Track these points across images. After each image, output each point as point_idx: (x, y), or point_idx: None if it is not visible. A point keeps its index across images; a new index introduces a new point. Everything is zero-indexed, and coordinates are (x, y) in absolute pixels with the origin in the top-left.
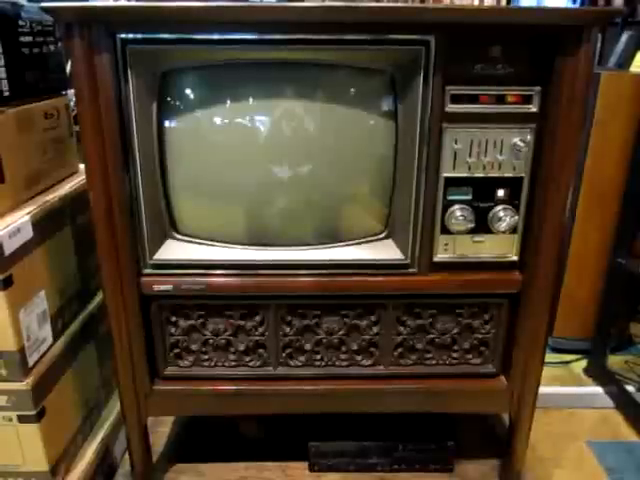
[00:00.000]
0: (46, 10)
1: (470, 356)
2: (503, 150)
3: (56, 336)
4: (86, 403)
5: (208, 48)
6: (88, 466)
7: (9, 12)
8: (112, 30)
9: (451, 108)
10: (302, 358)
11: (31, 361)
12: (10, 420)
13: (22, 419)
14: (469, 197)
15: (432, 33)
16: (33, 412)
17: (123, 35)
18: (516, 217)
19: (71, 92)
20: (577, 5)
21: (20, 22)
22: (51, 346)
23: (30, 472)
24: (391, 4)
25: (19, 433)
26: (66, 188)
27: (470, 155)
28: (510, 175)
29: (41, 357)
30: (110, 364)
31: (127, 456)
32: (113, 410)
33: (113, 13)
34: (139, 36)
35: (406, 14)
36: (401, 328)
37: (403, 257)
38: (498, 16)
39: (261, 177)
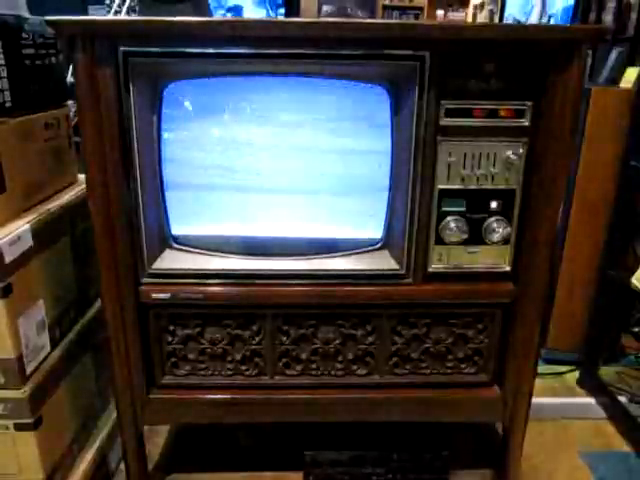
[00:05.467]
0: (50, 24)
1: (464, 365)
2: (496, 163)
3: (54, 344)
4: (82, 411)
5: (208, 61)
6: (84, 475)
7: (13, 24)
8: (114, 43)
9: (445, 122)
10: (298, 367)
11: (29, 369)
12: (7, 428)
13: (19, 427)
14: (463, 209)
15: (427, 49)
16: (30, 420)
17: (125, 48)
18: (509, 228)
19: (70, 103)
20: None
21: (23, 34)
22: (49, 354)
23: None
24: (387, 20)
25: (15, 441)
26: (65, 198)
27: (464, 167)
28: (503, 187)
29: (39, 365)
30: (107, 372)
31: (123, 466)
32: (109, 419)
33: (115, 27)
34: (141, 49)
35: (402, 30)
36: (396, 338)
37: (398, 267)
38: (491, 33)
39: (258, 188)
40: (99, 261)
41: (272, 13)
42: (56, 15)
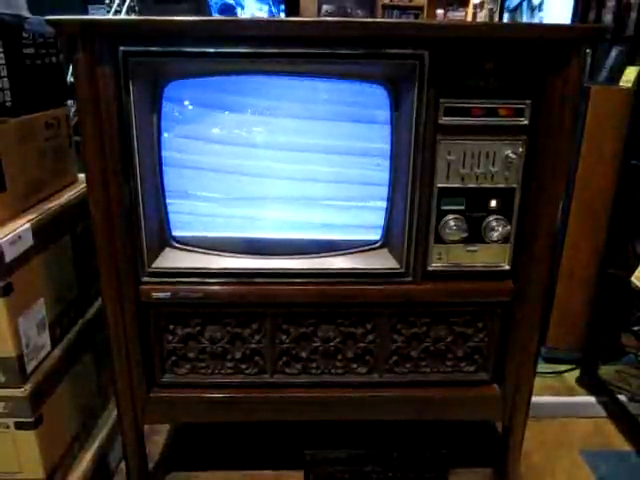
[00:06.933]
0: (50, 23)
1: (464, 364)
2: (495, 162)
3: (54, 343)
4: (83, 411)
5: (208, 61)
6: (84, 474)
7: (13, 24)
8: (114, 43)
9: (445, 120)
10: (298, 366)
11: (29, 368)
12: (7, 427)
13: (19, 426)
14: (462, 207)
15: (426, 48)
16: (31, 419)
17: (125, 48)
18: (508, 227)
19: (70, 102)
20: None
21: (23, 34)
22: (49, 353)
23: None
24: (387, 20)
25: (16, 440)
26: (65, 197)
27: (463, 166)
28: (502, 186)
29: (39, 364)
30: (107, 372)
31: (123, 465)
32: (109, 418)
33: (116, 26)
34: (141, 49)
35: (401, 30)
36: (396, 336)
37: (398, 266)
38: (490, 32)
39: (258, 186)
40: (99, 260)
41: (274, 9)
42: (56, 14)
